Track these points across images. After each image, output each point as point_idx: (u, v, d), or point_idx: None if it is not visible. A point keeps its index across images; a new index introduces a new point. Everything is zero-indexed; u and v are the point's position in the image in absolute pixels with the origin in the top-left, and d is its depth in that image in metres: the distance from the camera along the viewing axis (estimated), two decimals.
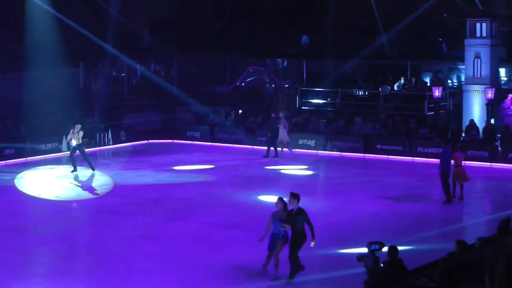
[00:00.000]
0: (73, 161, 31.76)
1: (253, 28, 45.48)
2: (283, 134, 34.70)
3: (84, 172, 32.19)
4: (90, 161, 32.23)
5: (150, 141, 39.31)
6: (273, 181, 30.71)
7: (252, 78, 44.60)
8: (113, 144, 38.97)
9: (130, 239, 22.91)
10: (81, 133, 31.49)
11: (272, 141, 34.93)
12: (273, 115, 36.21)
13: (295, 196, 17.56)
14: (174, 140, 39.27)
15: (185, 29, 42.69)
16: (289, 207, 17.61)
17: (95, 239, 23.33)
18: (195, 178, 31.66)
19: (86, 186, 30.73)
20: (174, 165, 33.95)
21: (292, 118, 38.64)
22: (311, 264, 18.61)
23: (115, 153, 37.78)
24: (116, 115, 40.70)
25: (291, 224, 17.31)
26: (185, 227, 24.33)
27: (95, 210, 27.31)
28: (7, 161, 34.83)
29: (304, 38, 44.64)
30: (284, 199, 17.92)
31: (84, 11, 41.20)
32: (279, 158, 34.74)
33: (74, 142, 31.35)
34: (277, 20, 45.91)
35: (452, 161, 26.47)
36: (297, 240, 17.25)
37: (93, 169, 32.17)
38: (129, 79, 44.83)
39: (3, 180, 31.32)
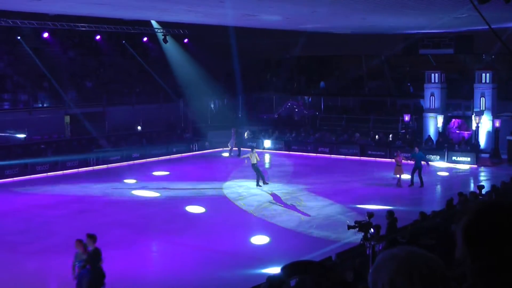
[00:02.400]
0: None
1: (290, 77, 45.87)
2: None
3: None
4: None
5: (224, 149, 39.51)
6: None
7: (288, 109, 44.85)
8: (199, 150, 38.89)
9: None
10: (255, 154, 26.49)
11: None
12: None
13: (91, 237, 13.43)
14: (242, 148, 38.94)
15: (247, 78, 43.06)
16: (88, 248, 13.31)
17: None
18: None
19: None
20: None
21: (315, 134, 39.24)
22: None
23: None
24: (202, 132, 41.04)
25: (90, 263, 13.16)
26: None
27: None
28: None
29: (322, 83, 44.95)
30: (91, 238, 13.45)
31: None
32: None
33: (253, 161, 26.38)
34: (304, 71, 46.34)
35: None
36: (95, 278, 13.09)
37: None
38: (211, 109, 45.21)
39: None
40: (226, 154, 37.30)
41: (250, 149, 27.70)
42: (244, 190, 26.27)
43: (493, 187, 21.01)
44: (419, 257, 1.95)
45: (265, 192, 25.59)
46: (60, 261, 16.44)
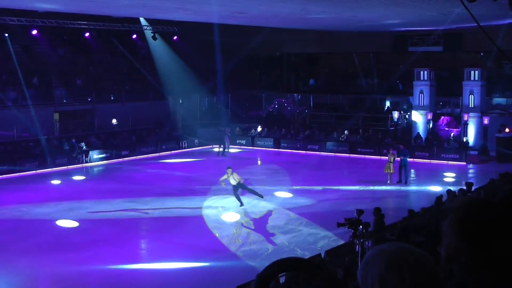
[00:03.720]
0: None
1: (279, 74, 45.89)
2: None
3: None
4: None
5: (213, 146, 39.54)
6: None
7: (277, 106, 44.85)
8: (188, 148, 38.73)
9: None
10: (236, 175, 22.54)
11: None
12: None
13: None
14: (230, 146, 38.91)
15: (237, 75, 43.04)
16: None
17: None
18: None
19: None
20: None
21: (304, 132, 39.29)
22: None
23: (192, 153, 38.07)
24: (192, 129, 40.97)
25: None
26: None
27: None
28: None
29: (311, 81, 45.02)
30: None
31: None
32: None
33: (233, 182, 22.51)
34: (294, 69, 46.38)
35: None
36: None
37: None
38: (200, 107, 45.06)
39: None
40: (216, 150, 37.05)
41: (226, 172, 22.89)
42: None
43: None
44: (408, 253, 1.96)
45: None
46: (50, 259, 16.45)
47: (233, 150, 38.21)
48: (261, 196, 23.15)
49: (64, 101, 37.36)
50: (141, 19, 39.68)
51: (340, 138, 37.78)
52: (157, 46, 42.52)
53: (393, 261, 1.93)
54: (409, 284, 1.90)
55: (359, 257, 10.95)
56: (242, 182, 22.73)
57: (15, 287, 15.10)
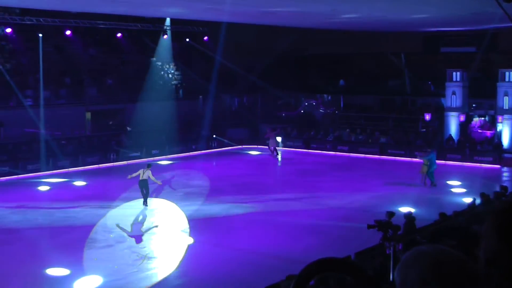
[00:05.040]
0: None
1: (309, 75, 45.70)
2: None
3: None
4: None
5: (243, 146, 39.70)
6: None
7: (307, 107, 44.73)
8: (218, 148, 38.98)
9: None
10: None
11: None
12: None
13: None
14: (258, 146, 39.11)
15: (266, 76, 42.93)
16: None
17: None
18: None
19: None
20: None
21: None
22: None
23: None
24: (222, 129, 41.02)
25: None
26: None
27: None
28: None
29: (341, 81, 44.78)
30: None
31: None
32: None
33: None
34: (324, 69, 46.16)
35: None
36: None
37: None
38: (230, 107, 45.17)
39: None
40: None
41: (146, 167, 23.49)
42: None
43: None
44: (448, 254, 1.93)
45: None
46: (80, 256, 16.62)
47: (255, 152, 38.18)
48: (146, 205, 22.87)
49: (96, 100, 37.70)
50: (168, 19, 39.90)
51: (370, 140, 37.54)
52: (188, 46, 42.72)
53: (433, 262, 1.91)
54: (451, 286, 1.87)
55: (392, 260, 10.81)
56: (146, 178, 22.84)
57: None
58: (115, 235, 19.31)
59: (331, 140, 38.68)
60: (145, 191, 22.90)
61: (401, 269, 1.96)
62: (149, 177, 22.89)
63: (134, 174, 23.19)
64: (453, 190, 26.87)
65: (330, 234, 19.24)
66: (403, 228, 15.02)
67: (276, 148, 36.18)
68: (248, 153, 37.60)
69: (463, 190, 26.24)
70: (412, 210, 16.58)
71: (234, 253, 17.36)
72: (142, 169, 23.08)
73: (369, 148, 36.73)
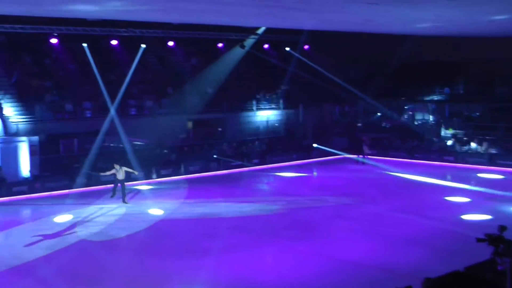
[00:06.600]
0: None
1: (413, 82, 44.79)
2: None
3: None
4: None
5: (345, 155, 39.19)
6: None
7: (410, 116, 43.78)
8: (319, 157, 38.64)
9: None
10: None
11: None
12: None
13: None
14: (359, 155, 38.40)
15: (368, 84, 42.41)
16: None
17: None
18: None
19: None
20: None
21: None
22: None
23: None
24: (324, 138, 40.74)
25: None
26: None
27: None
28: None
29: (447, 89, 43.54)
30: None
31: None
32: None
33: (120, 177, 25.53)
34: (429, 77, 45.08)
35: None
36: None
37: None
38: (332, 115, 44.94)
39: None
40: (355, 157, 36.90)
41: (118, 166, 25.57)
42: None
43: None
44: None
45: None
46: (180, 264, 16.93)
47: (356, 162, 37.59)
48: (126, 202, 25.37)
49: (197, 110, 38.47)
50: (262, 28, 40.21)
51: (478, 149, 36.23)
52: (287, 55, 42.88)
53: None
54: None
55: (509, 277, 10.35)
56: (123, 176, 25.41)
57: None
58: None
59: (436, 150, 37.66)
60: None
61: None
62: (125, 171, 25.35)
63: (108, 173, 25.81)
64: None
65: (436, 246, 18.64)
66: None
67: (365, 156, 36.61)
68: (350, 163, 37.15)
69: None
70: None
71: (335, 263, 17.13)
72: (115, 170, 25.36)
73: (476, 158, 35.42)
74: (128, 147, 32.42)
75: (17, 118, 32.21)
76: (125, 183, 25.90)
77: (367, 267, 16.68)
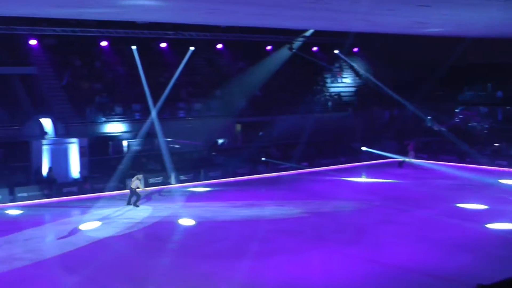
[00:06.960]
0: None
1: (463, 86, 44.07)
2: None
3: None
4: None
5: (394, 159, 38.74)
6: None
7: (462, 119, 43.09)
8: (368, 161, 38.32)
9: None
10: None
11: None
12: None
13: None
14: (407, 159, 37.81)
15: (418, 87, 41.80)
16: None
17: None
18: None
19: None
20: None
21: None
22: None
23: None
24: (372, 141, 40.43)
25: None
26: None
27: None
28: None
29: (499, 93, 42.70)
30: None
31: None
32: None
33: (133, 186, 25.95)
34: (479, 80, 44.29)
35: None
36: None
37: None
38: (380, 119, 44.58)
39: None
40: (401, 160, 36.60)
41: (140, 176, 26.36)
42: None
43: None
44: None
45: None
46: (227, 266, 17.00)
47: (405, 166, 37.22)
48: (134, 206, 25.43)
49: (245, 112, 38.60)
50: (310, 31, 40.12)
51: None
52: (336, 58, 42.74)
53: None
54: None
55: None
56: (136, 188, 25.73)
57: None
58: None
59: (488, 154, 36.96)
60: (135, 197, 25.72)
61: None
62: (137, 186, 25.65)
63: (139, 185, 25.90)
64: None
65: (486, 252, 18.27)
66: None
67: (406, 160, 36.47)
68: (397, 166, 36.72)
69: None
70: None
71: (383, 268, 16.96)
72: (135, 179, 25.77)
73: None
74: (175, 148, 32.73)
75: (67, 120, 32.84)
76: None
77: (415, 272, 16.47)
